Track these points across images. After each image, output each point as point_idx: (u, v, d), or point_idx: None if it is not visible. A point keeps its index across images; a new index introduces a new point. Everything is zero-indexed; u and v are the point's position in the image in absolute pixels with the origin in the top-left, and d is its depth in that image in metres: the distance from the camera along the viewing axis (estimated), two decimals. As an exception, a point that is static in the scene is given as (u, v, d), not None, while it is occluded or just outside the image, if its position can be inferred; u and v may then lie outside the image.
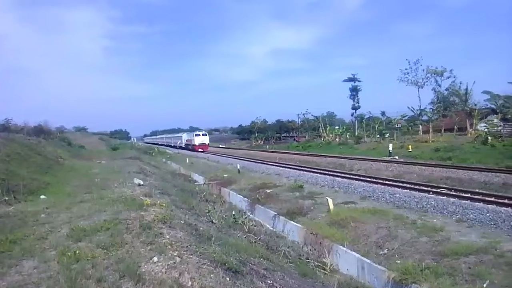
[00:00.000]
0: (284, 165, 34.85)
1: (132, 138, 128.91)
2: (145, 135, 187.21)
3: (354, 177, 24.37)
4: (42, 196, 12.69)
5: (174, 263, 6.13)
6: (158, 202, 10.66)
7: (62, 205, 10.87)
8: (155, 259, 6.25)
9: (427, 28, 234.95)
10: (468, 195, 16.29)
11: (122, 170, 20.99)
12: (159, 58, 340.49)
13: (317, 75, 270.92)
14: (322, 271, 10.57)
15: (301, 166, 33.24)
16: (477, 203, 14.50)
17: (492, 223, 11.97)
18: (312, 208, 16.44)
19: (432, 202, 15.20)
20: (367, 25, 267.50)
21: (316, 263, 10.93)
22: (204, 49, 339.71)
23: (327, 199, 15.51)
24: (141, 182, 15.16)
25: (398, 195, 17.21)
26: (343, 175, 25.74)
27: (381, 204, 15.71)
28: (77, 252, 6.41)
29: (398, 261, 9.93)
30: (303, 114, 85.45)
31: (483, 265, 8.56)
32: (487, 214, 12.85)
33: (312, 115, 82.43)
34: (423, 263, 9.03)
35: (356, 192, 18.97)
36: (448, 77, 55.03)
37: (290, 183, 22.28)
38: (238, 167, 32.25)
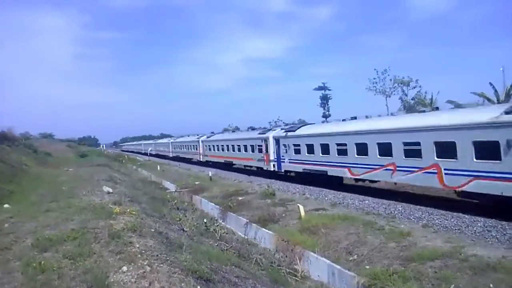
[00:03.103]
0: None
1: (101, 145, 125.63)
2: (115, 142, 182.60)
3: (325, 184, 24.65)
4: (6, 205, 12.21)
5: (144, 272, 6.05)
6: (128, 210, 10.48)
7: (27, 214, 10.51)
8: (124, 268, 6.15)
9: (394, 40, 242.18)
10: (434, 201, 16.79)
11: (91, 178, 20.48)
12: (128, 65, 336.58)
13: (289, 83, 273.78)
14: (294, 277, 10.65)
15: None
16: (442, 209, 14.96)
17: (457, 228, 12.40)
18: (283, 215, 16.54)
19: (400, 208, 15.60)
20: (337, 36, 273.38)
21: (288, 270, 11.00)
22: (175, 56, 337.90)
23: (298, 206, 15.64)
24: (110, 190, 14.85)
25: (367, 201, 17.56)
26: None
27: (350, 211, 15.97)
28: (43, 262, 6.23)
29: (367, 267, 10.13)
30: (275, 122, 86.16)
31: (448, 269, 8.84)
32: (452, 220, 13.30)
33: (283, 122, 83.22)
34: (391, 268, 9.25)
35: (326, 199, 19.22)
36: (414, 87, 57.01)
37: (262, 190, 22.31)
38: (210, 174, 32.07)
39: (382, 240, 11.59)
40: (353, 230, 12.88)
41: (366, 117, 22.32)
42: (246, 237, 14.82)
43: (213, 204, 20.90)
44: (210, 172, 33.45)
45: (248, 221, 16.15)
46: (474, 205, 14.13)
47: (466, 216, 13.64)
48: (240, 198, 21.28)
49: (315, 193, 20.95)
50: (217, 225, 14.00)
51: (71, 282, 5.67)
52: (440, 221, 13.27)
